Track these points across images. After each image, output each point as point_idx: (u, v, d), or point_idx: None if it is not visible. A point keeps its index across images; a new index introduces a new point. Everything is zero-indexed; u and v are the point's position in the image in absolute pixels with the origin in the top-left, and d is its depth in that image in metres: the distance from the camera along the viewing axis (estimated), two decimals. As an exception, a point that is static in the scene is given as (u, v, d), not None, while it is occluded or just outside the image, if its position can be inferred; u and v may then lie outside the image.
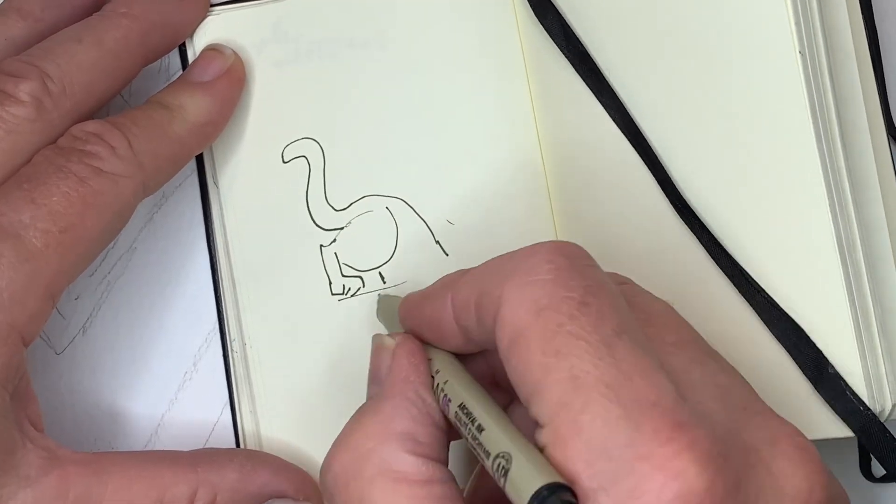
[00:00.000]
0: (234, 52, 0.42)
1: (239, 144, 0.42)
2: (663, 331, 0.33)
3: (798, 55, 0.37)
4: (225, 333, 0.43)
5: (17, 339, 0.35)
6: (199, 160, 0.43)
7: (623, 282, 0.35)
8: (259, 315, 0.42)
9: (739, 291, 0.39)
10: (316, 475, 0.41)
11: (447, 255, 0.43)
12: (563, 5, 0.42)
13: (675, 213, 0.40)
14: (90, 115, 0.38)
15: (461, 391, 0.33)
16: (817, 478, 0.30)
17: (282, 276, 0.42)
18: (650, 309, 0.33)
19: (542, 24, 0.42)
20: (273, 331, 0.42)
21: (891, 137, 0.42)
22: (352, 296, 0.42)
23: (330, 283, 0.42)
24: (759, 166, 0.38)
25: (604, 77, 0.42)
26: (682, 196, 0.40)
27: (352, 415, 0.35)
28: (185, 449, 0.41)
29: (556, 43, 0.42)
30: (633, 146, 0.41)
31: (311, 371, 0.42)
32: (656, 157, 0.41)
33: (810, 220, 0.37)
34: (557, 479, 0.28)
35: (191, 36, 0.42)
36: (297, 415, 0.42)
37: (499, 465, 0.29)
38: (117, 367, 0.43)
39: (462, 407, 0.32)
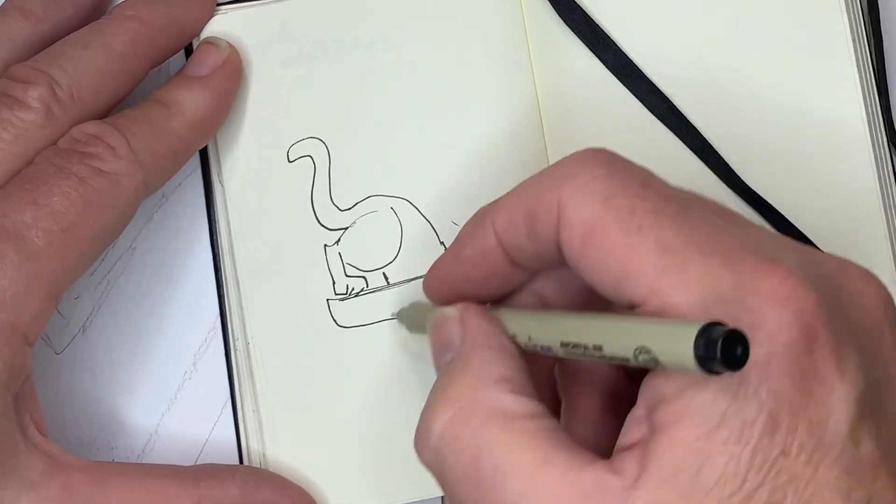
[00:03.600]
0: (229, 43, 0.42)
1: (244, 144, 0.42)
2: (706, 204, 0.34)
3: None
4: (227, 333, 0.42)
5: (20, 339, 0.35)
6: (204, 159, 0.43)
7: None
8: (262, 314, 0.42)
9: None
10: (318, 485, 0.41)
11: (451, 255, 0.42)
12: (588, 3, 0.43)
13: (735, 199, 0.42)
14: (98, 119, 0.38)
15: (551, 330, 0.33)
16: (885, 293, 0.32)
17: (285, 276, 0.42)
18: (686, 190, 0.35)
19: (564, 19, 0.43)
20: (276, 330, 0.42)
21: (891, 141, 0.42)
22: (355, 296, 0.42)
23: (334, 282, 0.42)
24: (812, 160, 0.39)
25: (639, 70, 0.42)
26: (744, 183, 0.42)
27: (433, 386, 0.35)
28: (185, 447, 0.41)
29: (580, 37, 0.43)
30: (677, 134, 0.42)
31: (314, 370, 0.42)
32: (707, 143, 0.42)
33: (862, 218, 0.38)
34: (701, 321, 0.28)
35: (198, 36, 0.42)
36: (299, 414, 0.42)
37: (643, 360, 0.29)
38: (117, 367, 0.43)
39: (566, 343, 0.32)
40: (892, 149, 0.43)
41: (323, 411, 0.42)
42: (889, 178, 0.43)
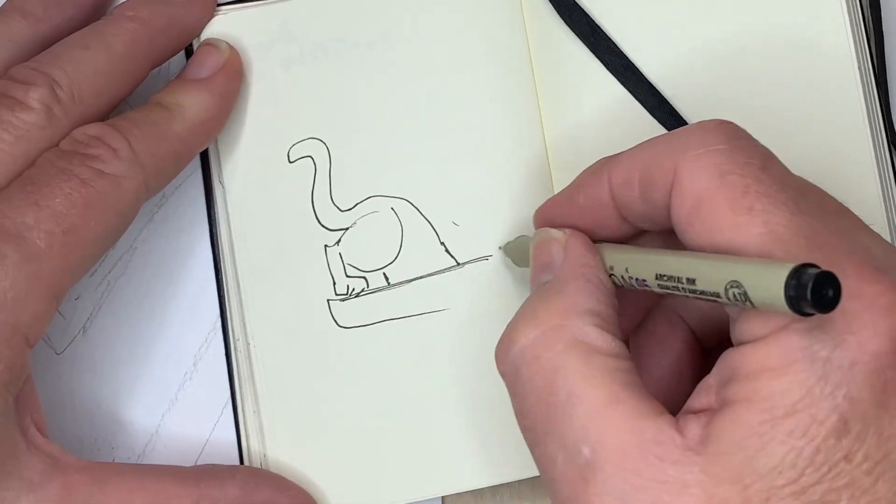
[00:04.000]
0: (229, 45, 0.42)
1: (244, 144, 0.42)
2: (823, 198, 0.34)
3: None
4: (228, 333, 0.42)
5: (20, 340, 0.35)
6: (205, 160, 0.43)
7: None
8: (263, 315, 0.42)
9: None
10: (318, 485, 0.41)
11: (452, 256, 0.42)
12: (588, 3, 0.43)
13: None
14: (99, 120, 0.38)
15: (647, 262, 0.33)
16: None
17: (286, 276, 0.42)
18: (805, 181, 0.35)
19: (564, 19, 0.43)
20: (277, 331, 0.42)
21: (891, 141, 0.42)
22: (356, 296, 0.42)
23: (334, 283, 0.42)
24: (812, 161, 0.40)
25: (639, 71, 0.43)
26: None
27: (525, 301, 0.35)
28: (186, 447, 0.41)
29: (582, 40, 0.43)
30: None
31: (315, 370, 0.42)
32: None
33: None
34: (794, 262, 0.28)
35: (198, 36, 0.42)
36: (300, 414, 0.42)
37: (734, 295, 0.29)
38: (117, 367, 0.43)
39: (660, 276, 0.33)
40: (892, 149, 0.43)
41: (323, 412, 0.42)
42: (889, 178, 0.43)
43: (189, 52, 0.42)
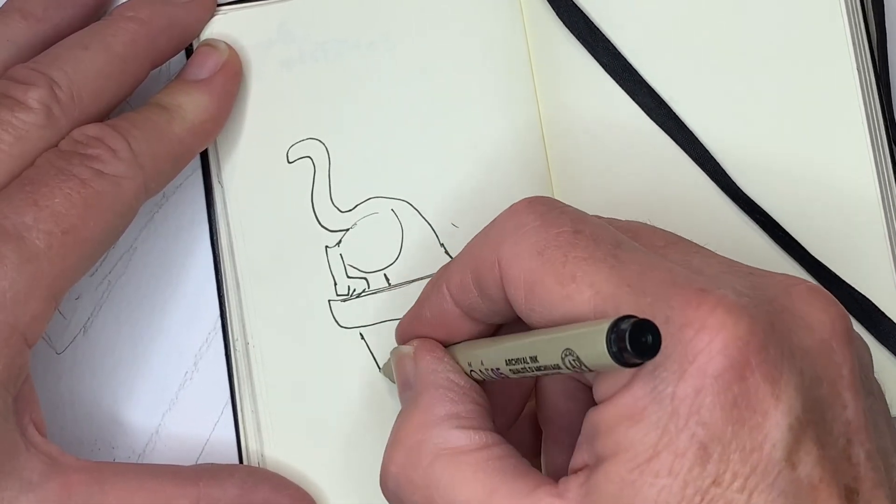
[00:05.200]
0: (228, 45, 0.42)
1: (244, 144, 0.42)
2: (652, 238, 0.34)
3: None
4: (227, 334, 0.42)
5: (19, 340, 0.35)
6: (204, 160, 0.43)
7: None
8: (262, 316, 0.42)
9: None
10: (317, 485, 0.41)
11: (452, 257, 0.42)
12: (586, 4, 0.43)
13: (730, 205, 0.42)
14: (99, 120, 0.38)
15: (495, 352, 0.34)
16: (835, 310, 0.32)
17: (286, 277, 0.42)
18: (631, 227, 0.35)
19: (563, 21, 0.43)
20: (276, 331, 0.42)
21: (891, 141, 0.42)
22: (356, 297, 0.42)
23: (335, 283, 0.42)
24: (810, 163, 0.40)
25: (637, 73, 0.42)
26: (740, 190, 0.42)
27: (393, 424, 0.36)
28: (186, 447, 0.41)
29: (579, 40, 0.42)
30: (673, 138, 0.42)
31: (314, 372, 0.42)
32: (704, 148, 0.42)
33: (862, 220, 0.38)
34: (612, 318, 0.28)
35: (198, 37, 0.42)
36: (299, 415, 0.42)
37: (569, 363, 0.30)
38: (118, 367, 0.43)
39: (509, 361, 0.33)
40: (893, 149, 0.43)
41: (323, 412, 0.42)
42: (889, 179, 0.43)
43: (189, 53, 0.42)
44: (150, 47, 0.39)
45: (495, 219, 0.35)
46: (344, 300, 0.42)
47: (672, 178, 0.42)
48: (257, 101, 0.42)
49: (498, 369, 0.34)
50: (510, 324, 0.37)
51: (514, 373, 0.33)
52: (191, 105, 0.40)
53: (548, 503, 0.31)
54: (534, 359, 0.32)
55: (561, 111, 0.43)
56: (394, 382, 0.40)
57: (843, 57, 0.42)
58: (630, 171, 0.43)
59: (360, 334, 0.42)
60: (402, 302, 0.42)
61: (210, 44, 0.42)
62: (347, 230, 0.43)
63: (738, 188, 0.42)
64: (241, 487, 0.39)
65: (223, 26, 0.42)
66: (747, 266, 0.33)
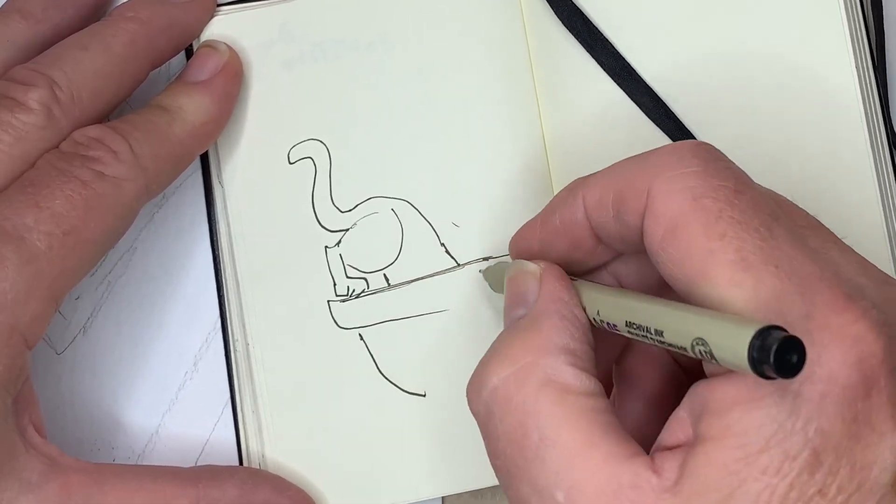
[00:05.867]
0: (228, 46, 0.42)
1: (244, 145, 0.43)
2: (794, 215, 0.34)
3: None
4: (227, 334, 0.42)
5: (19, 341, 0.35)
6: (204, 160, 0.43)
7: None
8: (262, 315, 0.42)
9: None
10: (317, 486, 0.41)
11: (452, 257, 0.42)
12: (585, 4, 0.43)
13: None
14: (99, 121, 0.39)
15: (617, 308, 0.33)
16: None
17: (286, 277, 0.42)
18: (777, 198, 0.34)
19: (562, 20, 0.43)
20: (276, 331, 0.42)
21: (891, 143, 0.42)
22: (356, 297, 0.42)
23: (334, 284, 0.42)
24: (808, 161, 0.40)
25: (636, 72, 0.42)
26: None
27: (498, 336, 0.35)
28: (186, 448, 0.41)
29: (578, 39, 0.42)
30: (672, 138, 0.42)
31: (315, 371, 0.42)
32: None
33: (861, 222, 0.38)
34: (760, 323, 0.27)
35: (198, 37, 0.42)
36: (298, 415, 0.42)
37: (699, 352, 0.29)
38: (118, 367, 0.43)
39: (630, 324, 0.32)
40: (893, 149, 0.43)
41: (322, 412, 0.42)
42: (889, 180, 0.43)
43: (189, 53, 0.42)
44: (150, 48, 0.39)
45: (654, 149, 0.34)
46: (343, 300, 0.42)
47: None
48: (258, 101, 0.43)
49: (614, 325, 0.33)
50: (630, 259, 0.36)
51: (630, 334, 0.32)
52: (192, 107, 0.40)
53: (645, 478, 0.30)
54: (659, 332, 0.31)
55: (561, 110, 0.43)
56: (492, 288, 0.40)
57: (842, 57, 0.42)
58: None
59: (360, 335, 0.42)
60: (402, 302, 0.42)
61: (210, 45, 0.42)
62: (347, 230, 0.43)
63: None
64: (240, 488, 0.39)
65: (223, 27, 0.42)
66: (881, 272, 0.33)
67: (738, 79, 0.43)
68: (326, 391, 0.42)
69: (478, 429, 0.42)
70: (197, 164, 0.43)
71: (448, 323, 0.42)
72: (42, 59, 0.38)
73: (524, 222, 0.38)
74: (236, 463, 0.42)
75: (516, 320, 0.35)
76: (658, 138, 0.43)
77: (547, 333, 0.33)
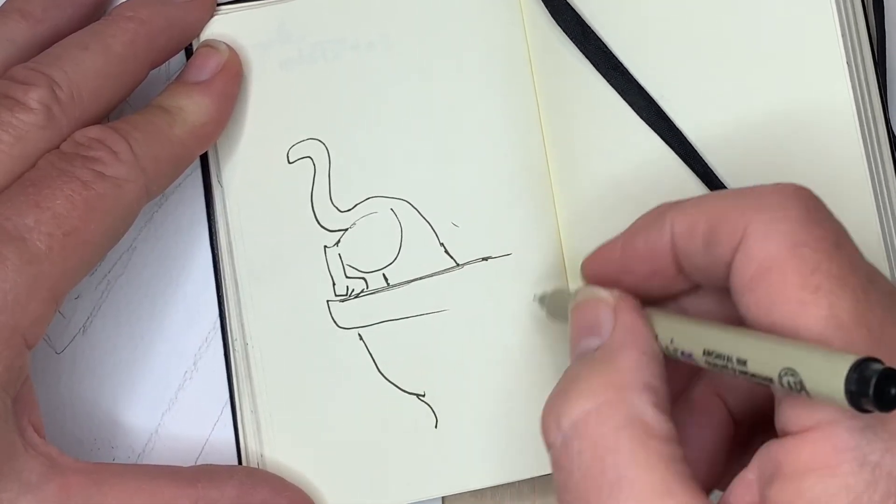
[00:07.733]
0: (228, 46, 0.42)
1: (244, 144, 0.43)
2: (889, 287, 0.32)
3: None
4: (227, 333, 0.42)
5: (19, 341, 0.35)
6: (204, 160, 0.43)
7: None
8: (261, 315, 0.42)
9: None
10: (316, 486, 0.41)
11: (451, 257, 0.42)
12: (580, 4, 0.43)
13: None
14: (99, 121, 0.39)
15: (695, 336, 0.32)
16: None
17: (285, 277, 0.42)
18: (872, 265, 0.33)
19: (558, 22, 0.42)
20: (275, 331, 0.42)
21: (891, 143, 0.42)
22: (355, 297, 0.42)
23: (334, 283, 0.42)
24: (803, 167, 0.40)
25: (627, 72, 0.42)
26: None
27: (571, 366, 0.34)
28: (185, 447, 0.41)
29: (574, 41, 0.42)
30: (669, 144, 0.42)
31: (314, 371, 0.42)
32: (696, 151, 0.42)
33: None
34: (857, 355, 0.27)
35: (198, 37, 0.42)
36: (298, 415, 0.42)
37: (787, 382, 0.28)
38: (117, 367, 0.43)
39: (708, 352, 0.31)
40: (892, 149, 0.43)
41: (322, 412, 0.42)
42: (887, 180, 0.42)
43: (189, 53, 0.42)
44: (150, 47, 0.39)
45: (753, 186, 0.33)
46: (342, 300, 0.42)
47: (664, 179, 0.42)
48: (257, 101, 0.42)
49: (690, 354, 0.32)
50: (706, 294, 0.35)
51: (708, 364, 0.31)
52: (192, 107, 0.40)
53: None
54: (742, 361, 0.30)
55: (561, 110, 0.43)
56: (551, 316, 0.39)
57: (835, 57, 0.41)
58: (630, 171, 0.42)
59: (359, 335, 0.42)
60: (401, 302, 0.42)
61: (210, 45, 0.42)
62: (346, 230, 0.43)
63: (728, 188, 0.42)
64: (239, 488, 0.39)
65: (223, 26, 0.42)
66: None
67: (730, 77, 0.42)
68: (326, 391, 0.42)
69: (478, 427, 0.42)
70: (196, 163, 0.43)
71: (447, 323, 0.42)
72: (42, 59, 0.38)
73: (525, 221, 0.38)
74: (235, 463, 0.42)
75: (588, 352, 0.34)
76: (651, 140, 0.42)
77: (628, 369, 0.32)
